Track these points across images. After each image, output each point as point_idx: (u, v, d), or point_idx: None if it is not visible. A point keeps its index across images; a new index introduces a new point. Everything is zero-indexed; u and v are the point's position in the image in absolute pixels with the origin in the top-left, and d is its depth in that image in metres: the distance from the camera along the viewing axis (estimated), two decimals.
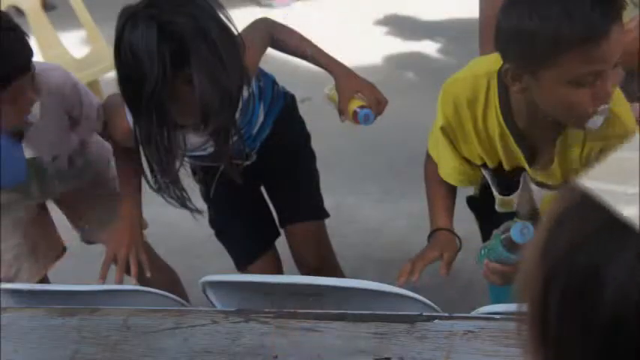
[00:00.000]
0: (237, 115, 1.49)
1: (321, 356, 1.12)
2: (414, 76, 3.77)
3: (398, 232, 2.54)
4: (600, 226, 0.41)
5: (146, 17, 1.31)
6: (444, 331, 1.11)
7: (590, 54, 1.13)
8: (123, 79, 1.39)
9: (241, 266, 1.83)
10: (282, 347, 1.15)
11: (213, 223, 1.85)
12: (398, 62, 3.96)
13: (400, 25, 4.33)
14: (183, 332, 1.21)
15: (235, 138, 1.51)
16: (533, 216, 1.63)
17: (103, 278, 1.59)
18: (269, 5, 4.70)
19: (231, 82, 1.36)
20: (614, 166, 0.45)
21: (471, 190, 1.71)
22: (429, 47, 4.04)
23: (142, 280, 1.61)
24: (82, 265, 2.09)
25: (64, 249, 1.95)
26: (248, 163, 1.68)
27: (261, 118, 1.68)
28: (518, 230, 1.20)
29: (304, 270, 1.86)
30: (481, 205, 1.68)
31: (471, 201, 1.73)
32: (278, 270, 1.88)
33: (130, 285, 1.54)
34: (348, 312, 1.18)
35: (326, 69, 1.67)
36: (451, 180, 1.53)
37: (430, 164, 1.56)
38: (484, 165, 1.47)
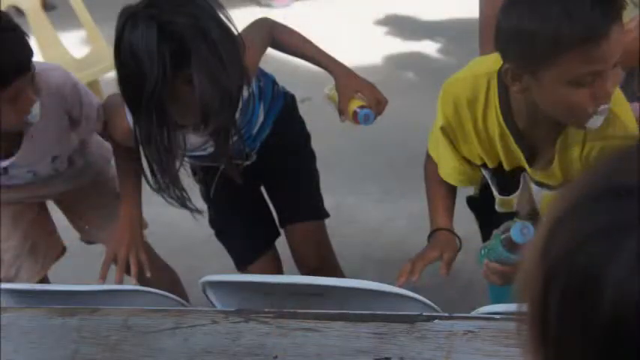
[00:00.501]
0: (237, 115, 1.49)
1: (321, 356, 1.12)
2: (414, 76, 3.77)
3: (398, 232, 2.54)
4: (600, 227, 0.41)
5: (146, 17, 1.31)
6: (444, 331, 1.11)
7: (590, 54, 1.13)
8: (123, 79, 1.39)
9: (241, 266, 1.83)
10: (282, 347, 1.15)
11: (213, 223, 1.85)
12: (398, 62, 3.96)
13: (400, 25, 4.33)
14: (183, 332, 1.21)
15: (235, 138, 1.51)
16: (533, 216, 1.63)
17: (103, 278, 1.59)
18: (269, 5, 4.70)
19: (231, 82, 1.36)
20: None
21: (470, 190, 1.71)
22: (429, 47, 4.04)
23: (142, 280, 1.61)
24: (82, 265, 2.09)
25: (64, 249, 1.95)
26: (248, 163, 1.68)
27: (261, 118, 1.68)
28: (518, 230, 1.20)
29: (304, 270, 1.86)
30: (481, 205, 1.68)
31: (470, 201, 1.73)
32: (278, 270, 1.88)
33: (130, 285, 1.54)
34: (348, 312, 1.18)
35: (326, 69, 1.67)
36: (451, 180, 1.53)
37: (430, 164, 1.56)
38: (484, 165, 1.47)
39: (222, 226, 1.85)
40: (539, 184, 1.45)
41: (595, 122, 1.23)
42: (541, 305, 0.44)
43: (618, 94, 1.31)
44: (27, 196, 1.75)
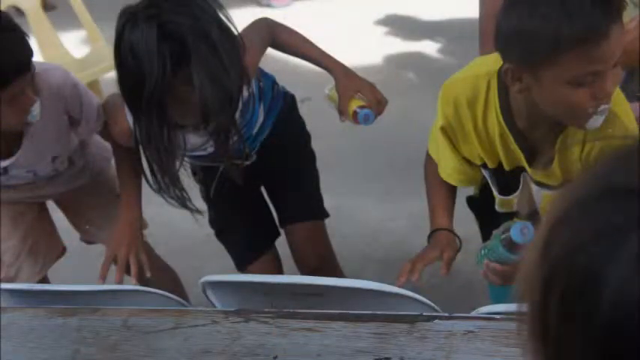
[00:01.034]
0: (237, 115, 1.49)
1: (321, 356, 1.12)
2: (414, 76, 3.77)
3: (398, 232, 2.54)
4: (600, 227, 0.41)
5: (146, 17, 1.31)
6: (444, 331, 1.11)
7: (590, 54, 1.13)
8: (123, 79, 1.39)
9: (241, 266, 1.83)
10: (282, 347, 1.15)
11: (213, 223, 1.85)
12: (398, 62, 3.96)
13: (400, 25, 4.33)
14: (184, 332, 1.21)
15: (235, 138, 1.51)
16: (533, 216, 1.63)
17: (103, 278, 1.59)
18: (269, 5, 4.70)
19: (231, 82, 1.36)
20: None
21: (470, 190, 1.71)
22: (429, 47, 4.03)
23: (142, 280, 1.61)
24: (82, 265, 2.09)
25: (64, 249, 1.95)
26: (248, 163, 1.68)
27: (261, 118, 1.68)
28: (518, 230, 1.20)
29: (304, 270, 1.86)
30: (481, 205, 1.68)
31: (470, 201, 1.73)
32: (278, 270, 1.88)
33: (130, 285, 1.54)
34: (348, 312, 1.18)
35: (326, 69, 1.67)
36: (451, 180, 1.53)
37: (430, 164, 1.56)
38: (484, 165, 1.47)
39: (222, 226, 1.85)
40: (539, 184, 1.45)
41: (595, 122, 1.23)
42: (541, 305, 0.44)
43: (618, 94, 1.31)
44: (27, 196, 1.75)
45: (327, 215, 1.87)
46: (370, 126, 1.61)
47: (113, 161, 1.77)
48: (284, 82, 1.82)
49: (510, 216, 1.52)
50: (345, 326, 1.16)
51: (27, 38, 1.42)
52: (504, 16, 1.21)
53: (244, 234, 1.83)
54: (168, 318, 1.25)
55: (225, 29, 1.38)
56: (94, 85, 3.25)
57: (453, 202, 1.57)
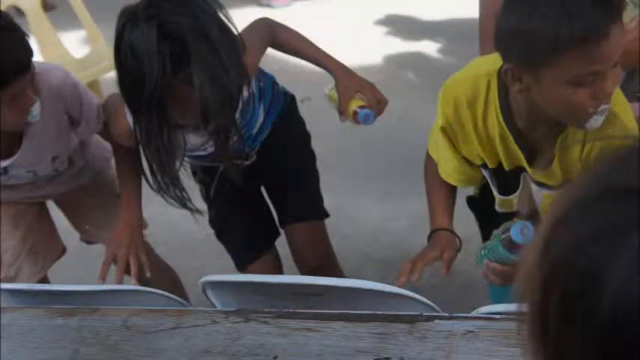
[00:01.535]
0: (237, 115, 1.49)
1: (321, 356, 1.12)
2: (414, 76, 3.77)
3: (398, 232, 2.54)
4: (600, 227, 0.41)
5: (146, 17, 1.31)
6: (444, 331, 1.11)
7: (590, 54, 1.13)
8: (123, 79, 1.39)
9: (241, 266, 1.83)
10: (282, 347, 1.15)
11: (213, 223, 1.85)
12: (398, 62, 3.96)
13: (400, 25, 4.33)
14: (184, 332, 1.21)
15: (235, 138, 1.51)
16: (533, 216, 1.62)
17: (103, 278, 1.59)
18: (269, 5, 4.70)
19: (231, 82, 1.36)
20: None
21: (470, 190, 1.71)
22: (429, 47, 4.04)
23: (141, 280, 1.61)
24: (82, 265, 2.09)
25: (64, 249, 1.95)
26: (248, 163, 1.68)
27: (261, 118, 1.68)
28: (518, 230, 1.20)
29: (304, 270, 1.86)
30: (481, 205, 1.68)
31: (470, 201, 1.73)
32: (278, 270, 1.88)
33: (130, 285, 1.54)
34: (349, 312, 1.18)
35: (326, 69, 1.67)
36: (451, 180, 1.53)
37: (430, 164, 1.56)
38: (484, 165, 1.47)
39: (222, 226, 1.85)
40: (540, 184, 1.45)
41: (595, 122, 1.23)
42: (541, 305, 0.44)
43: (618, 94, 1.31)
44: (27, 196, 1.75)
45: (327, 215, 1.87)
46: (370, 126, 1.61)
47: (113, 161, 1.77)
48: (284, 82, 1.82)
49: (510, 216, 1.52)
50: (345, 326, 1.16)
51: (27, 38, 1.42)
52: (504, 16, 1.21)
53: (244, 234, 1.83)
54: (168, 318, 1.25)
55: (225, 29, 1.38)
56: (94, 85, 3.25)
57: (453, 202, 1.57)
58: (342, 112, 1.63)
